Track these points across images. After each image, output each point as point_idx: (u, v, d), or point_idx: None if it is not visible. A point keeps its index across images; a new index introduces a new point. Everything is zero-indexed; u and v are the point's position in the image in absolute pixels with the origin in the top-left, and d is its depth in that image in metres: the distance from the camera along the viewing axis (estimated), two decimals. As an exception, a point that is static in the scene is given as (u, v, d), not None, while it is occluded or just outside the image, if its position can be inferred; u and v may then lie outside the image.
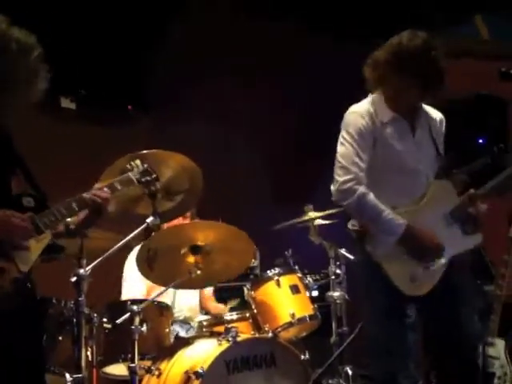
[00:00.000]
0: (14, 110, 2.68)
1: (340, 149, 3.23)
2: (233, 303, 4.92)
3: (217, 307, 4.87)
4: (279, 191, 6.33)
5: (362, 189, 3.13)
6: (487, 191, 3.29)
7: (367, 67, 3.29)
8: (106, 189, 2.84)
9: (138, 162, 3.10)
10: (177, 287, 4.18)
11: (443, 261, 3.20)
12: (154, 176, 3.12)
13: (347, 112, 3.29)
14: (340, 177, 3.17)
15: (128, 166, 3.08)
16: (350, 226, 3.32)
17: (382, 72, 3.24)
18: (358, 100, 3.35)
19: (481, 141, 6.66)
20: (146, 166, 3.10)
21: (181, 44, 5.92)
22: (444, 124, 3.43)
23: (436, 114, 3.42)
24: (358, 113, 3.24)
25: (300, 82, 6.47)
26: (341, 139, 3.24)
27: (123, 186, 2.94)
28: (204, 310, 4.90)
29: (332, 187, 3.21)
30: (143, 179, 3.07)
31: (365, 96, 3.35)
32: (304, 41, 6.43)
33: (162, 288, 3.89)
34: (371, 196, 3.13)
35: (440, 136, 3.40)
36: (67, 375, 3.45)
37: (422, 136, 3.32)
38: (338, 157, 3.22)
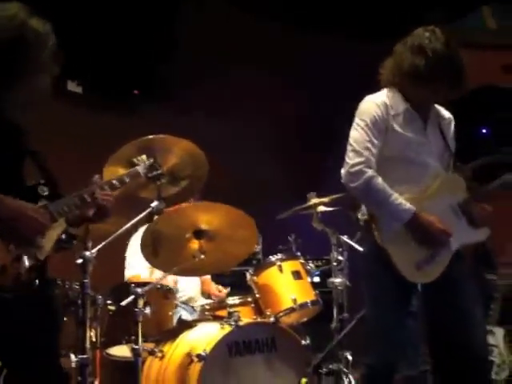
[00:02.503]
0: (29, 98, 2.70)
1: (353, 133, 3.26)
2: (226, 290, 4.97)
3: (217, 288, 4.95)
4: (282, 177, 6.36)
5: (370, 172, 3.16)
6: (479, 195, 3.33)
7: (385, 62, 3.33)
8: (114, 181, 2.91)
9: (143, 157, 3.24)
10: (180, 274, 4.23)
11: (449, 250, 3.22)
12: (160, 171, 3.25)
13: (362, 101, 3.32)
14: (350, 160, 3.20)
15: (135, 160, 3.20)
16: (359, 215, 3.35)
17: (398, 69, 3.27)
18: (360, 92, 3.38)
19: (484, 131, 6.68)
20: (151, 160, 3.22)
21: (187, 34, 5.95)
22: (453, 124, 3.45)
23: (446, 114, 3.45)
24: (373, 102, 3.28)
25: (312, 79, 6.51)
26: (354, 125, 3.28)
27: (131, 180, 3.04)
28: (204, 292, 4.96)
29: (342, 170, 3.24)
30: (150, 174, 3.21)
31: (366, 90, 3.38)
32: (307, 39, 6.49)
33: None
34: (379, 180, 3.16)
35: (450, 135, 3.43)
36: (72, 356, 3.50)
37: (433, 131, 3.35)
38: (351, 141, 3.25)
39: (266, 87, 6.40)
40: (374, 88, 3.36)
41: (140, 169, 3.14)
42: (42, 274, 2.62)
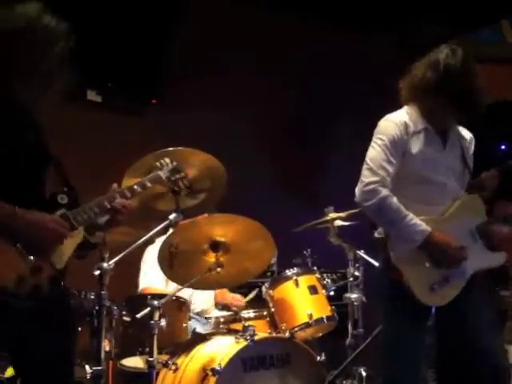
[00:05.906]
0: (44, 101, 2.68)
1: (370, 152, 3.23)
2: (251, 295, 4.94)
3: (234, 297, 4.91)
4: (299, 190, 6.33)
5: (385, 191, 3.12)
6: (497, 220, 3.31)
7: (404, 79, 3.30)
8: (135, 187, 2.87)
9: (167, 160, 3.12)
10: (196, 287, 4.20)
11: (464, 274, 3.19)
12: (183, 174, 3.14)
13: (382, 119, 3.29)
14: (366, 178, 3.17)
15: (158, 163, 3.10)
16: (376, 234, 3.32)
17: (418, 87, 3.24)
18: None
19: (503, 147, 6.64)
20: (175, 164, 3.12)
21: (194, 39, 5.95)
22: (473, 143, 3.43)
23: (467, 134, 3.43)
24: (393, 121, 3.24)
25: (312, 70, 6.49)
26: (372, 144, 3.24)
27: (153, 184, 2.97)
28: (219, 303, 4.93)
29: (356, 188, 3.21)
30: (172, 177, 3.10)
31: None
32: (306, 29, 6.47)
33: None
34: (394, 199, 3.12)
35: (470, 155, 3.40)
36: (87, 367, 3.49)
37: (452, 152, 3.32)
38: (367, 159, 3.22)
39: (282, 78, 6.39)
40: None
41: (162, 173, 3.03)
42: (59, 283, 2.61)
